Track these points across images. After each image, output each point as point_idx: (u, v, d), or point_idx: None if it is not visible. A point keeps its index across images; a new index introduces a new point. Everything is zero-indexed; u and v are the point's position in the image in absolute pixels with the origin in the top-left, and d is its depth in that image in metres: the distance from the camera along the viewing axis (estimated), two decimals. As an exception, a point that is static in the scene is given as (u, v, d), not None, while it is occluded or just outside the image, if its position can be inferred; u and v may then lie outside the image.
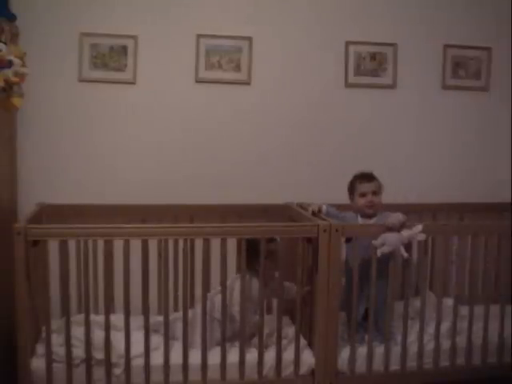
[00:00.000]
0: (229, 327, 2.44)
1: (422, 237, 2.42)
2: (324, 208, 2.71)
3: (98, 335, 2.36)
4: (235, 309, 2.43)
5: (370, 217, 2.66)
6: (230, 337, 2.46)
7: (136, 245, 2.31)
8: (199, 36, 3.02)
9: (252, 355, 2.44)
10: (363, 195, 2.67)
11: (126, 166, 3.03)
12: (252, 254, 2.40)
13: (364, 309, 2.57)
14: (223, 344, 2.39)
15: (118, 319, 2.46)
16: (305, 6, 3.12)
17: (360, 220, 2.69)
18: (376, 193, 2.67)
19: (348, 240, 2.60)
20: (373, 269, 2.44)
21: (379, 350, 2.55)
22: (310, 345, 2.57)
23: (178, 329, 2.45)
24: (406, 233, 2.41)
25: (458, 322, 2.58)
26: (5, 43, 2.49)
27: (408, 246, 2.49)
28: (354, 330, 2.49)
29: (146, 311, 2.35)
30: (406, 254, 2.43)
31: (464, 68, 3.31)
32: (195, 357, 2.38)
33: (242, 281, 2.39)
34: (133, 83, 3.00)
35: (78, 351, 2.33)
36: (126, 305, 2.31)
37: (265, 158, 3.16)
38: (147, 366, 2.35)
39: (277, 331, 2.43)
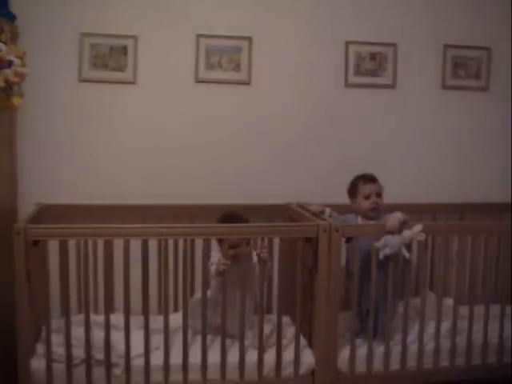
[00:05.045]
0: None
1: (421, 236, 2.41)
2: (327, 211, 2.71)
3: (98, 335, 2.36)
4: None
5: (371, 219, 2.65)
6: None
7: (136, 245, 2.31)
8: (199, 36, 3.02)
9: (252, 355, 2.44)
10: (367, 197, 2.66)
11: (125, 166, 3.03)
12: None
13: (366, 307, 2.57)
14: (223, 344, 2.39)
15: (117, 319, 2.47)
16: (305, 5, 3.11)
17: (360, 221, 2.68)
18: (380, 194, 2.67)
19: (348, 240, 2.60)
20: (373, 269, 2.44)
21: (379, 350, 2.55)
22: (310, 345, 2.57)
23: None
24: (407, 234, 2.41)
25: (458, 322, 2.58)
26: (5, 43, 2.49)
27: (408, 246, 2.50)
28: (354, 329, 2.49)
29: (145, 311, 2.35)
30: (407, 254, 2.43)
31: (464, 68, 3.30)
32: (195, 357, 2.39)
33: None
34: (133, 83, 3.00)
35: (78, 351, 2.33)
36: (125, 305, 2.31)
37: (265, 157, 3.15)
38: (147, 365, 2.35)
39: (277, 331, 2.44)
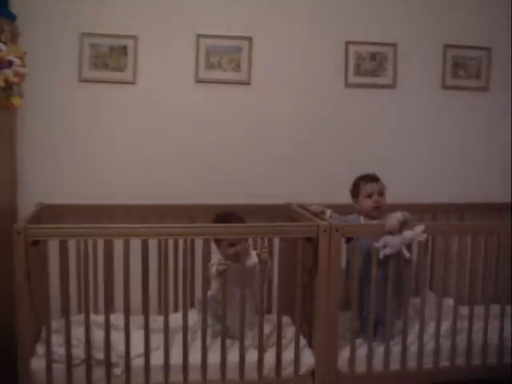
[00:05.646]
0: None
1: (422, 237, 2.41)
2: (328, 212, 2.70)
3: (98, 335, 2.36)
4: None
5: (374, 218, 2.65)
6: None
7: (136, 245, 2.31)
8: (199, 36, 3.02)
9: (252, 355, 2.44)
10: (369, 196, 2.66)
11: (125, 166, 3.03)
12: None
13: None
14: (223, 344, 2.39)
15: (117, 319, 2.47)
16: (305, 5, 3.11)
17: (363, 222, 2.68)
18: (382, 193, 2.67)
19: (348, 240, 2.60)
20: (373, 268, 2.44)
21: (379, 350, 2.55)
22: (310, 345, 2.57)
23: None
24: (407, 234, 2.40)
25: (458, 322, 2.58)
26: (5, 43, 2.50)
27: (408, 246, 2.50)
28: (354, 329, 2.49)
29: (145, 311, 2.35)
30: (408, 255, 2.43)
31: (464, 68, 3.30)
32: (195, 357, 2.39)
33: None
34: (133, 83, 3.00)
35: (78, 351, 2.33)
36: (125, 305, 2.31)
37: (265, 157, 3.15)
38: (147, 365, 2.35)
39: (277, 331, 2.43)
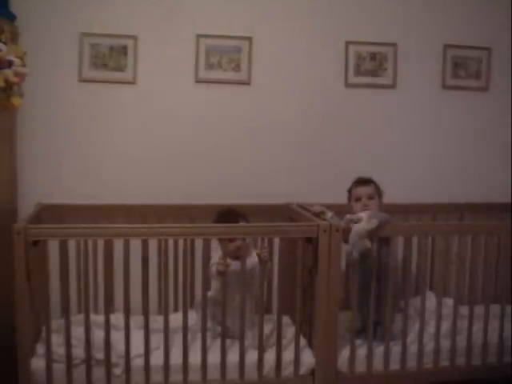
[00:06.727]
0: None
1: (373, 224, 2.37)
2: (329, 214, 2.70)
3: (98, 335, 2.36)
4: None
5: None
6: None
7: (136, 245, 2.31)
8: (199, 36, 3.02)
9: (252, 355, 2.44)
10: (358, 199, 2.67)
11: (125, 166, 3.03)
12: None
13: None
14: (223, 344, 2.39)
15: (117, 319, 2.47)
16: (305, 5, 3.12)
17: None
18: (372, 197, 2.66)
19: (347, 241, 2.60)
20: (372, 269, 2.45)
21: (379, 350, 2.55)
22: (310, 345, 2.57)
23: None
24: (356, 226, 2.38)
25: (458, 322, 2.58)
26: (5, 43, 2.50)
27: (407, 246, 2.50)
28: (354, 329, 2.49)
29: (145, 311, 2.35)
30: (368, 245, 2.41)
31: (464, 68, 3.30)
32: (195, 357, 2.39)
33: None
34: (133, 83, 3.00)
35: (78, 351, 2.33)
36: (125, 305, 2.31)
37: (265, 158, 3.15)
38: (147, 365, 2.35)
39: (277, 331, 2.43)
